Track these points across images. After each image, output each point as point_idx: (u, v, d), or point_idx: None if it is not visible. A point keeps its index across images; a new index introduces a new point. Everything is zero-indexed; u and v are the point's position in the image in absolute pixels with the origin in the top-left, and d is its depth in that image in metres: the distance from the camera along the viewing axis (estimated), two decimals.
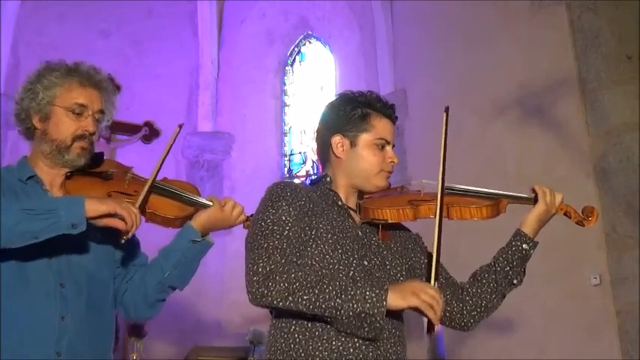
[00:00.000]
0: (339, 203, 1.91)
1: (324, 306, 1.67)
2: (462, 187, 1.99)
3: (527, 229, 1.96)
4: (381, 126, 1.93)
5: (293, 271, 1.71)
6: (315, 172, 6.55)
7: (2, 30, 5.74)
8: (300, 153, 6.81)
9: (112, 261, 1.99)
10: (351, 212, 1.93)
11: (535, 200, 1.96)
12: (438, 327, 1.71)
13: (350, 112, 1.93)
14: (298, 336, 1.76)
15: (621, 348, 3.88)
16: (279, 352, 1.78)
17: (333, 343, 1.73)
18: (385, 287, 1.69)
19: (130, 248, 2.02)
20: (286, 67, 7.06)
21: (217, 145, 6.54)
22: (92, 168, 1.98)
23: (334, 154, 1.95)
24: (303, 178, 6.50)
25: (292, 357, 1.75)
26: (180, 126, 2.09)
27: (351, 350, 1.73)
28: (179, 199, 2.01)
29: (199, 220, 1.98)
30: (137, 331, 4.89)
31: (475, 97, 4.85)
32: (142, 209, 1.88)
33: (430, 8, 5.34)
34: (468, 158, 4.51)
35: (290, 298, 1.68)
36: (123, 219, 1.74)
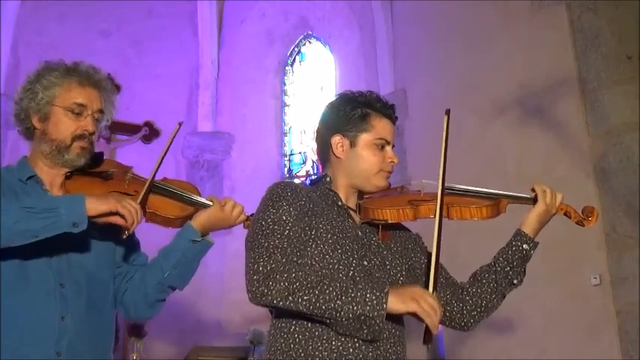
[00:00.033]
0: (339, 203, 1.91)
1: (323, 307, 1.67)
2: (462, 187, 1.99)
3: (528, 229, 1.96)
4: (380, 126, 1.93)
5: (293, 270, 1.71)
6: (315, 172, 6.55)
7: (2, 30, 5.75)
8: (300, 153, 6.81)
9: (112, 261, 1.99)
10: (351, 212, 1.93)
11: (535, 200, 1.96)
12: (434, 337, 1.70)
13: (350, 112, 1.93)
14: (298, 336, 1.76)
15: (621, 348, 3.88)
16: (279, 352, 1.78)
17: (333, 343, 1.73)
18: (385, 290, 1.68)
19: (130, 247, 2.02)
20: (286, 67, 7.06)
21: (217, 145, 6.54)
22: (92, 168, 1.98)
23: (334, 154, 1.95)
24: (303, 178, 6.50)
25: (292, 357, 1.75)
26: (180, 124, 2.09)
27: (351, 350, 1.73)
28: (179, 198, 2.01)
29: (199, 219, 1.98)
30: (137, 331, 4.89)
31: (475, 97, 4.85)
32: (142, 208, 1.88)
33: (430, 8, 5.34)
34: (468, 158, 4.51)
35: (290, 298, 1.68)
36: (123, 216, 1.74)
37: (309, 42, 7.05)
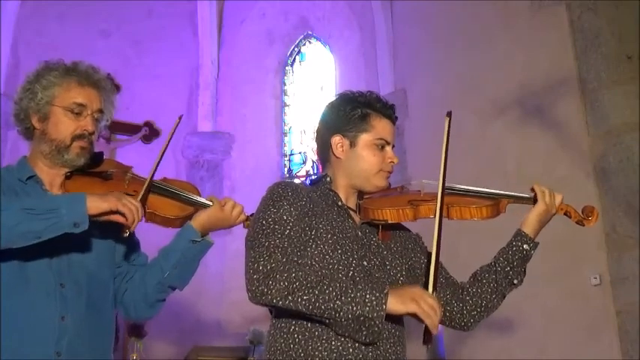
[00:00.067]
0: (339, 203, 1.91)
1: (323, 307, 1.67)
2: (462, 187, 1.99)
3: (528, 229, 1.96)
4: (380, 126, 1.93)
5: (294, 270, 1.71)
6: (315, 172, 6.55)
7: (2, 30, 5.75)
8: (300, 153, 6.81)
9: (113, 261, 1.98)
10: (351, 212, 1.93)
11: (535, 200, 1.96)
12: (434, 337, 1.70)
13: (350, 113, 1.93)
14: (298, 336, 1.76)
15: (621, 348, 3.88)
16: (279, 352, 1.77)
17: (333, 343, 1.73)
18: (385, 291, 1.68)
19: (130, 247, 2.01)
20: (286, 67, 7.06)
21: (217, 145, 6.54)
22: (92, 168, 1.98)
23: (334, 154, 1.94)
24: (303, 178, 6.50)
25: (292, 357, 1.75)
26: (180, 117, 2.09)
27: (351, 350, 1.73)
28: (179, 198, 2.01)
29: (199, 220, 1.98)
30: (137, 331, 4.89)
31: (475, 97, 4.85)
32: (142, 207, 1.88)
33: (430, 8, 5.34)
34: (468, 158, 4.51)
35: (290, 298, 1.68)
36: (124, 215, 1.74)
37: (309, 42, 7.05)
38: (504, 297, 1.98)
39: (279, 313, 1.81)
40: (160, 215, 1.94)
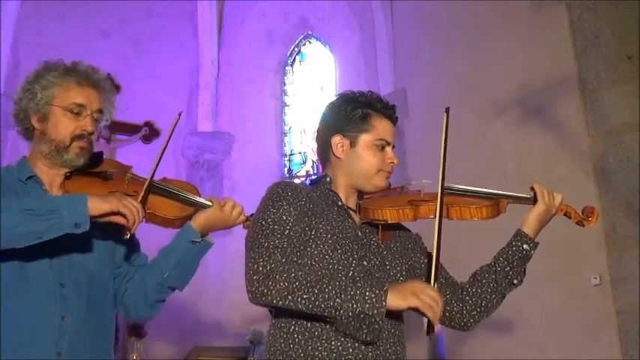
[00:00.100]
0: (339, 203, 1.91)
1: (323, 305, 1.67)
2: (462, 187, 1.99)
3: (528, 229, 1.96)
4: (381, 127, 1.93)
5: (293, 270, 1.71)
6: (315, 172, 6.55)
7: (2, 30, 5.75)
8: (300, 153, 6.81)
9: (113, 261, 1.98)
10: (351, 212, 1.93)
11: (535, 200, 1.96)
12: (437, 327, 1.70)
13: (350, 113, 1.93)
14: (297, 336, 1.76)
15: (621, 348, 3.88)
16: (279, 352, 1.78)
17: (333, 343, 1.73)
18: (385, 288, 1.68)
19: (130, 248, 2.01)
20: (286, 67, 7.06)
21: (217, 145, 6.54)
22: (91, 168, 1.98)
23: (334, 154, 1.94)
24: (303, 178, 6.50)
25: (292, 357, 1.75)
26: (180, 114, 2.09)
27: (351, 350, 1.73)
28: (178, 199, 2.01)
29: (199, 220, 1.98)
30: (137, 331, 4.89)
31: (475, 97, 4.85)
32: (142, 208, 1.88)
33: (430, 8, 5.34)
34: (468, 158, 4.51)
35: (290, 297, 1.68)
36: (124, 216, 1.74)
37: (309, 42, 7.05)
38: (504, 297, 1.98)
39: (279, 313, 1.81)
40: (159, 216, 1.94)
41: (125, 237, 1.78)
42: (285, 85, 7.03)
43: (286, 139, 6.90)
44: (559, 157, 4.32)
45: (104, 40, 6.42)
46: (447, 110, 1.94)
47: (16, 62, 5.91)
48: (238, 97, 6.77)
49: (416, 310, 1.67)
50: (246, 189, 6.18)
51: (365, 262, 1.85)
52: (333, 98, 2.04)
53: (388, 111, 1.96)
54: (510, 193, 1.98)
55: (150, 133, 5.56)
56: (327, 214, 1.87)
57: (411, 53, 5.60)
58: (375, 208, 1.89)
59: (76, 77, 1.95)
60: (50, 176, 1.94)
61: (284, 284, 1.68)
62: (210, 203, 2.01)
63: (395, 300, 1.67)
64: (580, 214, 1.99)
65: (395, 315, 1.80)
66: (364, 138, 1.92)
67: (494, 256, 1.98)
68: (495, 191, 1.98)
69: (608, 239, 4.02)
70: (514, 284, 1.96)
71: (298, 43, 7.07)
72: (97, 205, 1.72)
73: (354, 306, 1.66)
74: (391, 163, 1.93)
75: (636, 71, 4.02)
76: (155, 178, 1.98)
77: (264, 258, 1.73)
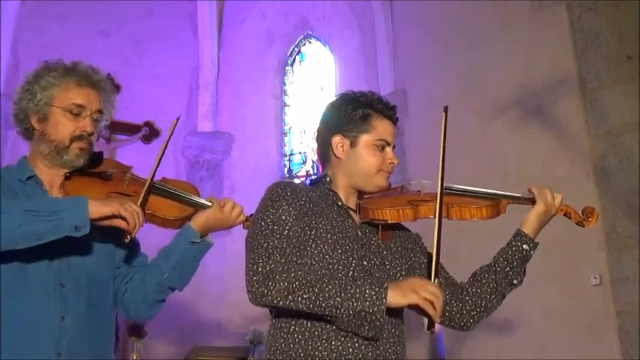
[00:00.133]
0: (339, 203, 1.91)
1: (323, 305, 1.67)
2: (462, 187, 1.99)
3: (528, 229, 1.96)
4: (381, 127, 1.93)
5: (293, 270, 1.71)
6: (315, 172, 6.55)
7: (2, 30, 5.75)
8: (300, 153, 6.81)
9: (113, 261, 1.98)
10: (351, 212, 1.93)
11: (534, 200, 1.96)
12: (437, 325, 1.70)
13: (351, 113, 1.93)
14: (298, 336, 1.76)
15: (621, 348, 3.88)
16: (279, 352, 1.78)
17: (333, 343, 1.73)
18: (385, 285, 1.69)
19: (130, 249, 2.01)
20: (286, 67, 7.06)
21: (217, 145, 6.54)
22: (91, 168, 1.98)
23: (334, 154, 1.94)
24: (303, 178, 6.50)
25: (292, 357, 1.75)
26: (178, 118, 2.09)
27: (351, 350, 1.73)
28: (178, 199, 2.00)
29: (198, 220, 1.98)
30: (137, 331, 4.89)
31: (475, 97, 4.85)
32: (142, 208, 1.88)
33: (430, 8, 5.34)
34: (468, 158, 4.51)
35: (290, 297, 1.68)
36: (125, 219, 1.74)
37: (309, 42, 7.05)
38: (504, 297, 1.98)
39: (279, 313, 1.81)
40: (159, 216, 1.94)
41: (126, 241, 1.78)
42: (285, 85, 7.03)
43: (286, 139, 6.90)
44: (559, 157, 4.32)
45: (104, 40, 6.42)
46: (446, 109, 1.94)
47: (16, 62, 5.91)
48: (238, 97, 6.77)
49: (416, 307, 1.67)
50: (246, 189, 6.18)
51: (365, 262, 1.85)
52: (334, 98, 2.04)
53: (389, 111, 1.96)
54: (510, 194, 1.99)
55: (150, 133, 5.56)
56: (326, 213, 1.87)
57: (411, 53, 5.60)
58: (375, 208, 1.89)
59: (75, 78, 1.95)
60: (50, 176, 1.94)
61: (284, 284, 1.69)
62: (209, 204, 2.01)
63: (395, 297, 1.67)
64: (580, 214, 1.99)
65: (395, 314, 1.80)
66: (364, 138, 1.92)
67: (494, 257, 1.98)
68: (495, 191, 1.98)
69: (608, 239, 4.02)
70: (514, 284, 1.96)
71: (298, 43, 7.07)
72: (97, 209, 1.72)
73: (355, 304, 1.66)
74: (391, 163, 1.93)
75: (636, 71, 4.02)
76: (155, 179, 1.98)
77: (263, 258, 1.73)
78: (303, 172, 6.72)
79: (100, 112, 1.97)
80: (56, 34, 6.18)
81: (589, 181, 4.14)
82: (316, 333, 1.75)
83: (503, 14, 4.87)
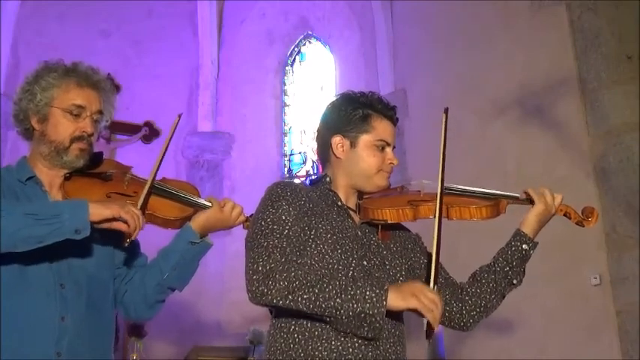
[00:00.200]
0: (339, 203, 1.91)
1: (323, 305, 1.67)
2: (462, 187, 1.99)
3: (527, 229, 1.96)
4: (381, 127, 1.93)
5: (293, 269, 1.71)
6: (315, 172, 6.55)
7: (2, 30, 5.75)
8: (300, 153, 6.81)
9: (112, 262, 1.98)
10: (351, 212, 1.93)
11: (534, 200, 1.96)
12: (436, 331, 1.70)
13: (351, 113, 1.93)
14: (298, 336, 1.76)
15: (621, 348, 3.88)
16: (279, 352, 1.78)
17: (333, 343, 1.74)
18: (385, 287, 1.69)
19: (131, 249, 2.01)
20: (286, 67, 7.06)
21: (217, 145, 6.54)
22: (91, 168, 1.98)
23: (334, 154, 1.94)
24: (303, 178, 6.50)
25: (292, 357, 1.75)
26: (180, 115, 2.09)
27: (351, 350, 1.73)
28: (178, 199, 2.00)
29: (198, 221, 1.98)
30: (137, 331, 4.89)
31: (475, 97, 4.85)
32: (142, 210, 1.88)
33: (430, 8, 5.34)
34: (468, 158, 4.51)
35: (290, 297, 1.68)
36: (126, 222, 1.74)
37: (309, 42, 7.05)
38: (504, 297, 1.98)
39: (279, 313, 1.81)
40: (159, 216, 1.94)
41: (126, 244, 1.78)
42: (285, 85, 7.03)
43: (286, 139, 6.90)
44: (559, 157, 4.32)
45: (104, 40, 6.42)
46: (446, 111, 1.94)
47: (16, 62, 5.91)
48: (238, 97, 6.77)
49: (415, 311, 1.68)
50: (246, 189, 6.18)
51: (365, 262, 1.85)
52: (334, 98, 2.04)
53: (389, 112, 1.96)
54: (510, 194, 1.99)
55: (150, 133, 5.56)
56: (326, 214, 1.87)
57: (411, 53, 5.60)
58: (375, 208, 1.89)
59: (75, 78, 1.95)
60: (50, 177, 1.94)
61: (284, 284, 1.69)
62: (209, 204, 2.01)
63: (395, 300, 1.67)
64: (580, 214, 1.99)
65: (395, 315, 1.80)
66: (364, 138, 1.92)
67: (494, 256, 1.98)
68: (495, 191, 1.98)
69: (608, 239, 4.02)
70: (513, 284, 1.96)
71: (298, 43, 7.07)
72: (98, 211, 1.72)
73: (355, 305, 1.66)
74: (391, 163, 1.93)
75: (636, 71, 4.02)
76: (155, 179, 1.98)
77: (263, 258, 1.73)
78: (303, 172, 6.72)
79: (100, 112, 1.97)
80: (56, 34, 6.18)
81: (589, 181, 4.14)
82: (316, 333, 1.75)
83: (503, 14, 4.87)
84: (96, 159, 2.00)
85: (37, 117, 1.92)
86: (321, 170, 2.06)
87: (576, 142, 4.29)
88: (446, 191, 1.89)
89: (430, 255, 1.84)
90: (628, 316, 3.87)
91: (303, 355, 1.74)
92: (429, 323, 1.67)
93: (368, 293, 1.67)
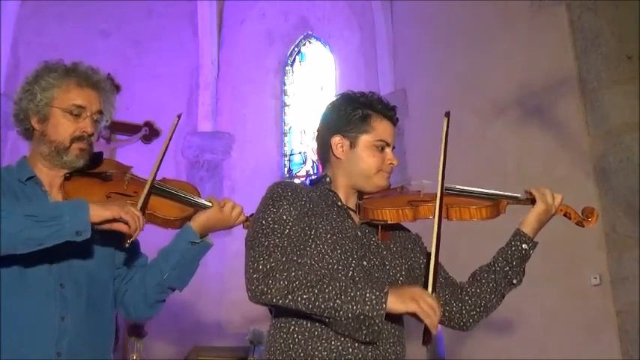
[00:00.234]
0: (339, 203, 1.91)
1: (323, 306, 1.67)
2: (462, 187, 1.99)
3: (527, 229, 1.96)
4: (381, 128, 1.93)
5: (293, 269, 1.71)
6: (315, 172, 6.55)
7: (2, 30, 5.75)
8: (300, 153, 6.81)
9: (113, 261, 1.98)
10: (351, 212, 1.93)
11: (534, 201, 1.96)
12: (434, 337, 1.70)
13: (351, 113, 1.93)
14: (297, 336, 1.76)
15: (621, 348, 3.88)
16: (279, 352, 1.78)
17: (332, 343, 1.73)
18: (385, 290, 1.68)
19: (131, 249, 2.01)
20: (286, 67, 7.06)
21: (217, 145, 6.54)
22: (91, 168, 1.98)
23: (334, 154, 1.94)
24: (303, 178, 6.50)
25: (291, 357, 1.75)
26: (179, 116, 2.09)
27: (350, 350, 1.73)
28: (178, 199, 2.00)
29: (198, 221, 1.98)
30: (137, 331, 4.89)
31: (475, 97, 4.85)
32: (142, 210, 1.88)
33: (430, 8, 5.34)
34: (468, 158, 4.51)
35: (290, 297, 1.68)
36: (126, 223, 1.74)
37: (309, 42, 7.05)
38: (503, 297, 1.98)
39: (278, 312, 1.81)
40: (159, 216, 1.94)
41: (126, 245, 1.78)
42: (285, 85, 7.03)
43: (286, 139, 6.90)
44: (559, 157, 4.32)
45: (104, 40, 6.42)
46: (448, 114, 1.93)
47: (16, 62, 5.91)
48: (238, 97, 6.77)
49: (414, 315, 1.67)
50: (246, 189, 6.18)
51: (364, 262, 1.85)
52: (334, 98, 2.04)
53: (389, 112, 1.96)
54: (510, 194, 1.98)
55: (150, 133, 5.56)
56: (326, 214, 1.87)
57: (411, 53, 5.60)
58: (375, 208, 1.89)
59: (75, 78, 1.95)
60: (50, 177, 1.94)
61: (284, 283, 1.69)
62: (209, 204, 2.01)
63: (395, 303, 1.67)
64: (580, 214, 1.99)
65: (395, 316, 1.80)
66: (364, 139, 1.92)
67: (494, 256, 1.98)
68: (495, 192, 1.98)
69: (608, 239, 4.02)
70: (513, 284, 1.96)
71: (298, 43, 7.07)
72: (98, 213, 1.72)
73: (354, 307, 1.66)
74: (391, 164, 1.93)
75: (636, 71, 4.02)
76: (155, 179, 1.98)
77: (264, 257, 1.73)
78: (303, 172, 6.72)
79: (100, 112, 1.97)
80: (56, 34, 6.18)
81: (589, 181, 4.14)
82: (316, 333, 1.75)
83: (503, 14, 4.87)
84: (96, 159, 2.00)
85: (37, 117, 1.92)
86: (321, 170, 2.06)
87: (576, 142, 4.29)
88: (446, 191, 1.89)
89: (430, 255, 1.84)
90: (628, 316, 3.87)
91: (302, 355, 1.74)
92: (426, 328, 1.67)
93: (368, 295, 1.67)
